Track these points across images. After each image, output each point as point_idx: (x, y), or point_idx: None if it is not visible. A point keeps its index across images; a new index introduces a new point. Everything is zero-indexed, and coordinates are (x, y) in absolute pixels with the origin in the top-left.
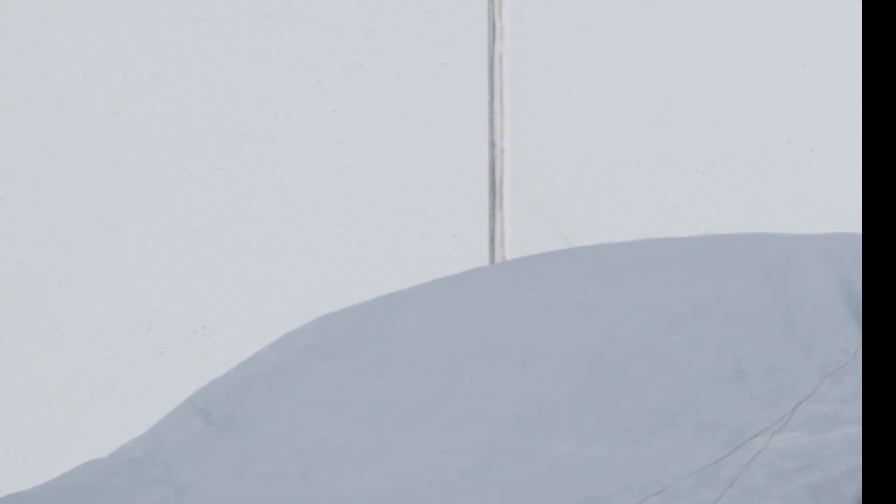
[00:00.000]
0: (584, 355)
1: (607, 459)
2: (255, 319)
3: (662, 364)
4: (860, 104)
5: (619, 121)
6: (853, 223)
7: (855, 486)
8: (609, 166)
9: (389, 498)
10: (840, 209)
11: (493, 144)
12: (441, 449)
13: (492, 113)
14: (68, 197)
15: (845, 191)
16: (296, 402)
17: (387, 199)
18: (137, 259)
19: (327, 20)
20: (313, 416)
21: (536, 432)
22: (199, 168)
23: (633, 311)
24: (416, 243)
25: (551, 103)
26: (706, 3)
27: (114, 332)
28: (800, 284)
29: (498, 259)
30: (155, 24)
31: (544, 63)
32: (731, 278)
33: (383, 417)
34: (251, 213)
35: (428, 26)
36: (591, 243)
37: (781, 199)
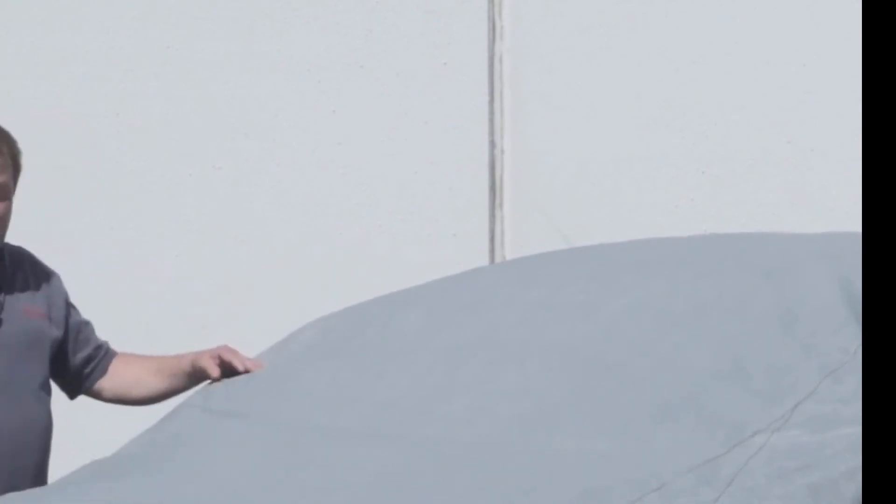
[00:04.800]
0: (584, 354)
1: (607, 455)
2: (255, 319)
3: (662, 362)
4: (860, 104)
5: (619, 121)
6: (853, 223)
7: (855, 486)
8: (609, 166)
9: (390, 494)
10: (840, 209)
11: (493, 144)
12: (441, 446)
13: (492, 113)
14: (68, 197)
15: (845, 191)
16: (296, 401)
17: (387, 199)
18: (137, 259)
19: (327, 20)
20: (313, 415)
21: (537, 429)
22: (199, 168)
23: (633, 310)
24: (416, 243)
25: (551, 103)
26: (706, 3)
27: (114, 332)
28: (800, 284)
29: (498, 259)
30: (155, 24)
31: (544, 63)
32: (731, 278)
33: (383, 416)
34: (251, 213)
35: (428, 26)
36: (591, 243)
37: (781, 199)
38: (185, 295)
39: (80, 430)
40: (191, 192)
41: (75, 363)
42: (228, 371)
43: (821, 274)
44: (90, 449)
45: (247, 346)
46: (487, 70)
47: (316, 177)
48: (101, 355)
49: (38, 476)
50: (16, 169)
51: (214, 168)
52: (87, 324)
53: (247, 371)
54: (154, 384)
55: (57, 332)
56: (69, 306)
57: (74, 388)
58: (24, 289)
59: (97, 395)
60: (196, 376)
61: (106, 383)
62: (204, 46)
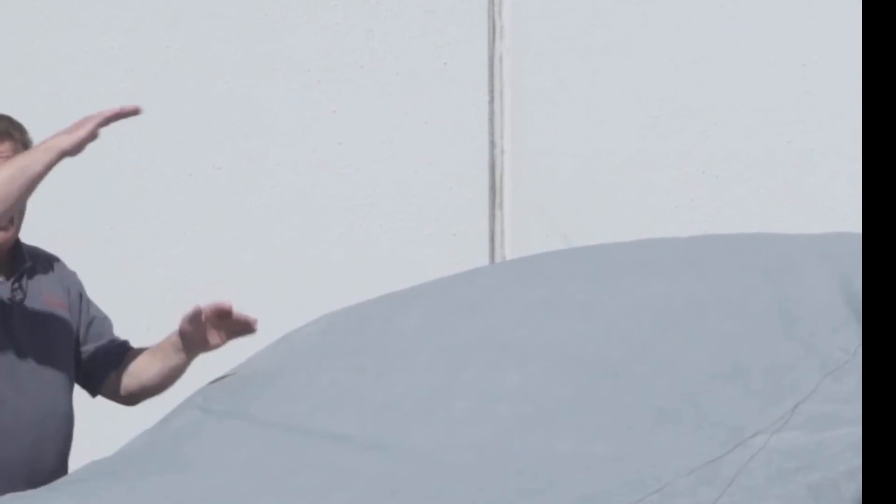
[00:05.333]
0: (584, 354)
1: (607, 457)
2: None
3: (662, 363)
4: (860, 104)
5: (619, 121)
6: (853, 223)
7: (855, 486)
8: (609, 166)
9: (388, 498)
10: (840, 209)
11: (493, 144)
12: (441, 447)
13: (492, 113)
14: (68, 197)
15: (845, 191)
16: (295, 401)
17: (387, 199)
18: (137, 259)
19: (327, 20)
20: (313, 417)
21: (537, 431)
22: (199, 168)
23: (633, 310)
24: (416, 243)
25: (551, 103)
26: (706, 3)
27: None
28: (800, 284)
29: (498, 259)
30: (155, 24)
31: (544, 63)
32: (731, 278)
33: (383, 417)
34: (251, 212)
35: (428, 26)
36: (591, 243)
37: (781, 200)
38: (184, 295)
39: (82, 431)
40: (191, 192)
41: (86, 355)
42: (195, 322)
43: (821, 274)
44: (90, 449)
45: (246, 346)
46: (487, 70)
47: (316, 177)
48: (114, 349)
49: (58, 466)
50: None
51: (214, 168)
52: (103, 319)
53: (218, 307)
54: (154, 367)
55: (75, 324)
56: (83, 300)
57: (90, 383)
58: (44, 280)
59: (114, 392)
60: (186, 345)
61: (115, 375)
62: (204, 46)
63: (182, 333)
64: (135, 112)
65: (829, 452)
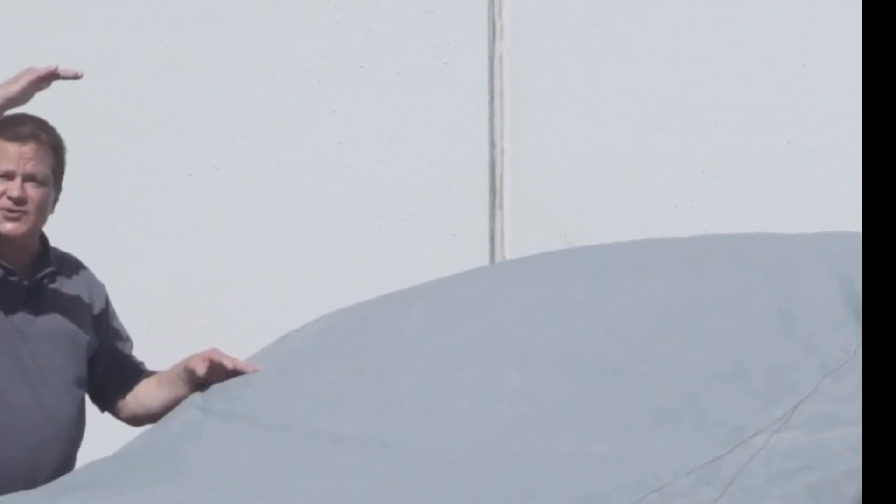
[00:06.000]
0: (584, 355)
1: (607, 457)
2: (256, 319)
3: (662, 363)
4: (860, 104)
5: (619, 121)
6: (853, 223)
7: (855, 486)
8: (609, 166)
9: (388, 501)
10: (840, 209)
11: (493, 144)
12: (441, 447)
13: (492, 113)
14: (68, 197)
15: (845, 191)
16: (295, 401)
17: (387, 199)
18: (137, 259)
19: (327, 20)
20: (313, 418)
21: (537, 431)
22: (199, 168)
23: (633, 310)
24: (416, 243)
25: (551, 103)
26: (706, 3)
27: None
28: (800, 284)
29: (498, 259)
30: (155, 24)
31: (544, 63)
32: (731, 278)
33: (383, 417)
34: (251, 212)
35: (428, 26)
36: (591, 243)
37: (781, 200)
38: (184, 295)
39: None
40: (191, 192)
41: (100, 372)
42: (218, 370)
43: (821, 274)
44: (90, 449)
45: (247, 346)
46: (487, 70)
47: (316, 177)
48: (127, 371)
49: (60, 470)
50: (57, 162)
51: (214, 168)
52: (123, 337)
53: (236, 370)
54: (159, 394)
55: (93, 335)
56: (107, 313)
57: (100, 400)
58: (66, 286)
59: (119, 412)
60: (190, 380)
61: (124, 397)
62: (204, 46)
63: (192, 372)
64: (75, 76)
65: (829, 452)
